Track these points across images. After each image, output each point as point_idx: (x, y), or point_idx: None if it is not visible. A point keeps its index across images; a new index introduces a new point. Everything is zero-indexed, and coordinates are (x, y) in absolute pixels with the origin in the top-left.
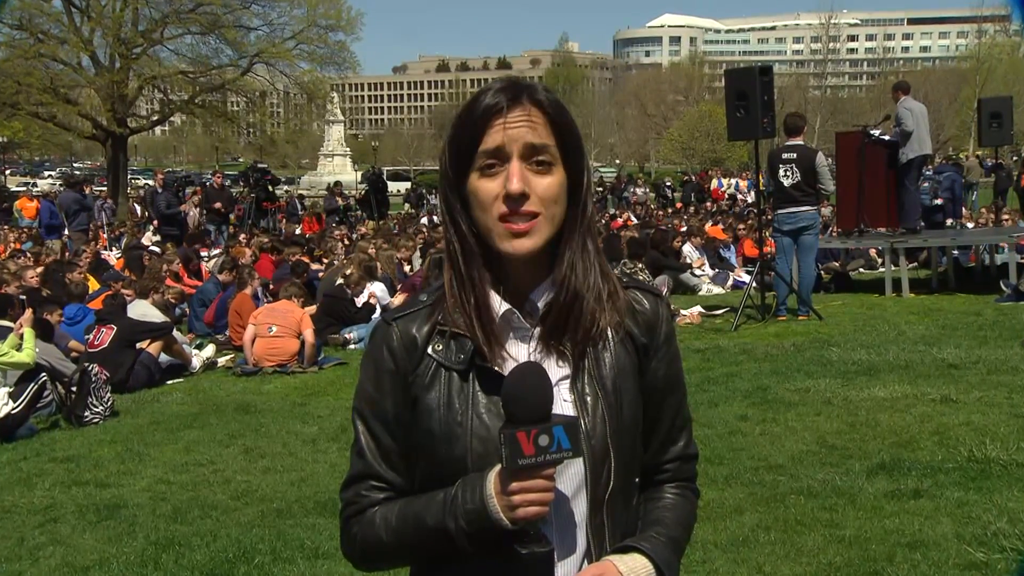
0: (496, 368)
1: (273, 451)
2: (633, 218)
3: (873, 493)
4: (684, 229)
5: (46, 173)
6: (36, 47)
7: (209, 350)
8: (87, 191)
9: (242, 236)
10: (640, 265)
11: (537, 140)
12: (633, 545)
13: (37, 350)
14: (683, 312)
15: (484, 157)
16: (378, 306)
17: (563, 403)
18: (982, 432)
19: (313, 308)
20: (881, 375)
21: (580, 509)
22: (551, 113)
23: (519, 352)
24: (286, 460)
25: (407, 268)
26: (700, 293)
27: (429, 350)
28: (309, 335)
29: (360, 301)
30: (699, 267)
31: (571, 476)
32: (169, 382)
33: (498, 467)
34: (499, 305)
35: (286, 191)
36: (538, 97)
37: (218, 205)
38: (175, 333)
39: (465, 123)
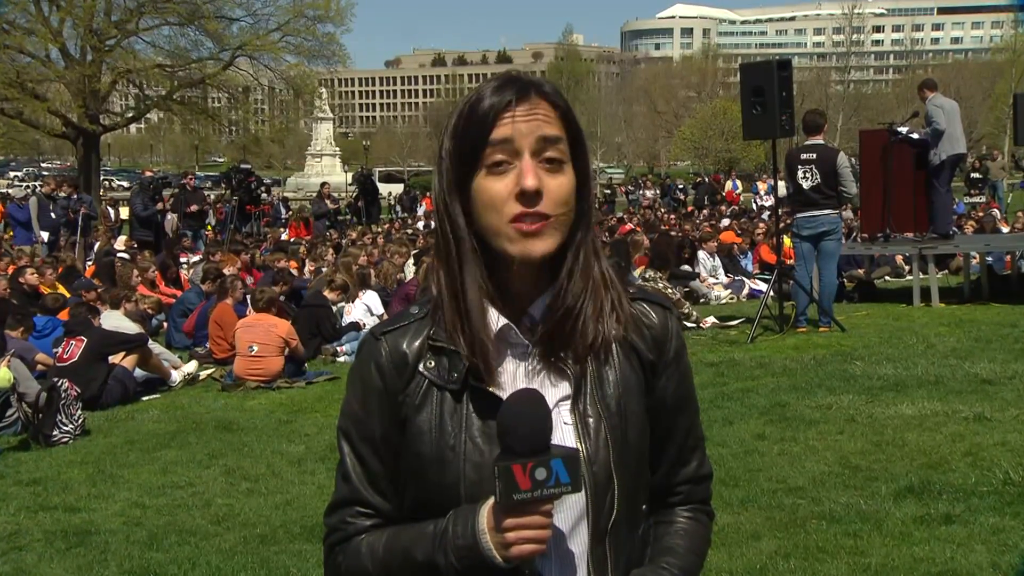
0: (492, 389)
1: (257, 472)
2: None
3: (901, 518)
4: (696, 236)
5: (11, 174)
6: (0, 39)
7: (191, 366)
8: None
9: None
10: (660, 274)
11: (551, 132)
12: None
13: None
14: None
15: (492, 150)
16: (371, 317)
17: (564, 426)
18: (1019, 453)
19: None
20: (909, 391)
21: (581, 540)
22: (562, 107)
23: (517, 370)
24: (270, 482)
25: (399, 276)
26: (712, 303)
27: (420, 367)
28: (300, 348)
29: (352, 310)
30: (710, 279)
31: (571, 506)
32: (145, 398)
33: (492, 500)
34: (496, 319)
35: (270, 192)
36: (546, 90)
37: (194, 208)
38: (151, 344)
39: (470, 120)
